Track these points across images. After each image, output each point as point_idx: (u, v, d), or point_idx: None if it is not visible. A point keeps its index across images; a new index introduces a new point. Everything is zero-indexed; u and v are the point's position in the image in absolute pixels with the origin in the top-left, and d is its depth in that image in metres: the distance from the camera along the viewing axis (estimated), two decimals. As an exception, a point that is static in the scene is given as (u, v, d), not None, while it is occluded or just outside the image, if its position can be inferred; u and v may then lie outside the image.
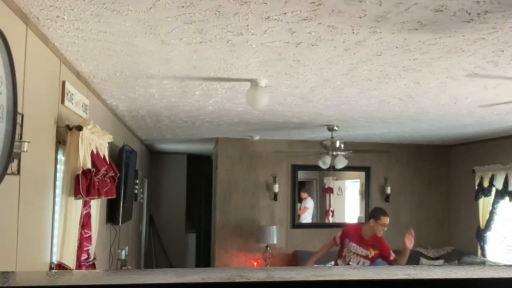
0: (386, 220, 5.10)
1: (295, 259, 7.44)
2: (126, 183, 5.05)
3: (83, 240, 3.21)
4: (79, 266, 3.11)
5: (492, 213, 6.66)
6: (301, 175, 7.93)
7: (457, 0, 2.03)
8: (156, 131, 6.80)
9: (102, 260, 4.46)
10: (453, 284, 0.94)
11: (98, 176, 3.18)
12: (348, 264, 5.10)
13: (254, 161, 7.64)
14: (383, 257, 5.11)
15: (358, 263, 5.10)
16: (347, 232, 5.27)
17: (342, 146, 6.05)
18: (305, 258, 7.21)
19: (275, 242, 7.24)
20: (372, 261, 5.16)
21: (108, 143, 3.72)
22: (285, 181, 7.73)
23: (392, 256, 5.10)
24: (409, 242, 4.92)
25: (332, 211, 8.28)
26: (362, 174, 7.95)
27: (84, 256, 3.26)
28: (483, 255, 6.83)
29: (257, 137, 7.22)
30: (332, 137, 5.98)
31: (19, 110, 2.10)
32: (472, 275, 0.99)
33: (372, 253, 5.11)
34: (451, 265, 5.90)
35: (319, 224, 8.11)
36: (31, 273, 1.49)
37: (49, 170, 2.86)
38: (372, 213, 5.34)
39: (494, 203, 6.62)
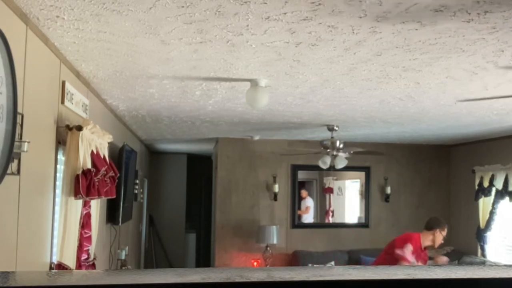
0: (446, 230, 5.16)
1: (295, 259, 7.44)
2: (126, 183, 5.05)
3: (83, 240, 3.21)
4: (79, 266, 3.11)
5: (492, 213, 6.65)
6: (301, 175, 7.92)
7: (457, 0, 2.03)
8: (156, 131, 6.80)
9: (102, 260, 4.46)
10: (453, 284, 0.94)
11: (98, 176, 3.18)
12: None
13: (254, 161, 7.63)
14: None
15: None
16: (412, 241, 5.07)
17: (342, 146, 6.05)
18: (305, 258, 7.22)
19: (275, 242, 7.23)
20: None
21: (108, 143, 3.72)
22: (285, 181, 7.72)
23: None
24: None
25: (332, 211, 8.28)
26: (362, 174, 7.95)
27: (84, 256, 3.26)
28: (483, 255, 6.82)
29: (257, 137, 7.22)
30: (332, 137, 5.98)
31: (19, 110, 2.10)
32: (472, 275, 0.99)
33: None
34: (451, 265, 5.88)
35: (319, 224, 8.10)
36: (31, 273, 1.48)
37: (49, 170, 2.86)
38: (434, 223, 5.28)
39: (494, 203, 6.62)
